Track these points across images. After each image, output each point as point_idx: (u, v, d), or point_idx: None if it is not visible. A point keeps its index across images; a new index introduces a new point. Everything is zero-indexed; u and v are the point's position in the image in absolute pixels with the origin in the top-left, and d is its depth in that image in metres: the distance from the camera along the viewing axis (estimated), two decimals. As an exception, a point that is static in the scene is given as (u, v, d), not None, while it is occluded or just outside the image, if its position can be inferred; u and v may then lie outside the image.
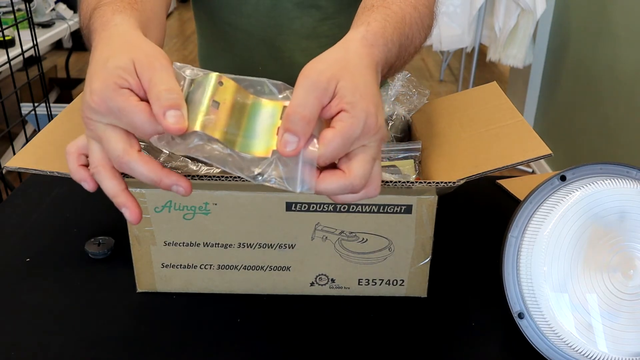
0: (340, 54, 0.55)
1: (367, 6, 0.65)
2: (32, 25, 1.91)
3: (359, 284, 0.76)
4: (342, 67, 0.52)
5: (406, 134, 0.93)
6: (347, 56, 0.54)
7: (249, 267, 0.75)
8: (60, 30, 3.01)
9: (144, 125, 0.50)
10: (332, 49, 0.55)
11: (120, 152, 0.51)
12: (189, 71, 0.53)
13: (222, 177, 0.66)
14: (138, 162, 0.51)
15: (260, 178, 0.51)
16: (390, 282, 0.76)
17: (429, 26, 0.73)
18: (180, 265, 0.75)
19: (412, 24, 0.67)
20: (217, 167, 0.59)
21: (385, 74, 0.64)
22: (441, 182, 0.65)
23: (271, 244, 0.73)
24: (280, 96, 0.55)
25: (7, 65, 1.79)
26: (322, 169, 0.52)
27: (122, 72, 0.51)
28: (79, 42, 4.88)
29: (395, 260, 0.74)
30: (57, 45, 5.05)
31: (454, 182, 0.65)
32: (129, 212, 0.55)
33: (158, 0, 0.73)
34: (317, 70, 0.51)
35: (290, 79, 0.90)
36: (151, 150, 0.74)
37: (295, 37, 0.99)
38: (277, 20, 0.99)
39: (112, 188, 0.54)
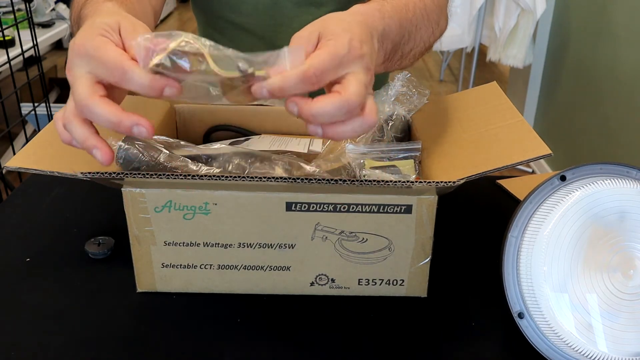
0: (326, 16, 0.57)
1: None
2: (32, 25, 1.91)
3: (359, 284, 0.76)
4: (328, 17, 0.56)
5: (406, 134, 0.93)
6: (332, 15, 0.57)
7: (249, 267, 0.75)
8: (60, 30, 3.01)
9: (116, 59, 0.52)
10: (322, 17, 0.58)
11: (82, 97, 0.52)
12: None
13: (222, 177, 0.66)
14: (98, 105, 0.52)
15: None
16: (390, 282, 0.76)
17: (436, 22, 0.74)
18: (180, 265, 0.75)
19: (416, 12, 0.68)
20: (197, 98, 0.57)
21: (389, 53, 0.66)
22: (441, 182, 0.65)
23: (271, 244, 0.73)
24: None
25: (7, 65, 1.79)
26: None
27: (107, 27, 0.54)
28: (79, 42, 4.88)
29: (395, 260, 0.74)
30: (57, 45, 5.04)
31: (454, 182, 0.65)
32: (100, 153, 0.56)
33: (148, 7, 0.76)
34: (307, 27, 0.55)
35: None
36: (149, 149, 0.74)
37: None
38: (277, 19, 0.99)
39: (82, 134, 0.55)
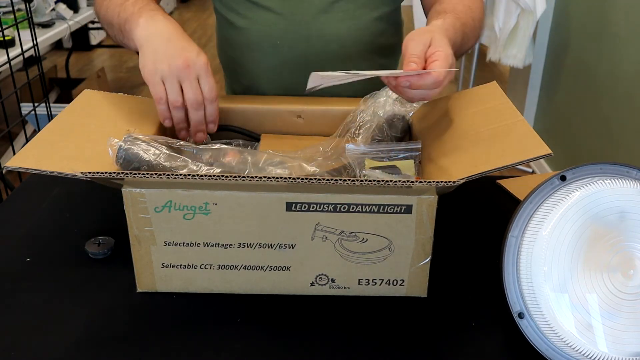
0: (428, 28, 0.83)
1: (440, 11, 0.94)
2: (32, 25, 1.91)
3: (359, 284, 0.76)
4: (431, 31, 0.81)
5: (406, 134, 0.93)
6: (432, 29, 0.82)
7: (249, 267, 0.75)
8: (60, 30, 3.01)
9: (209, 86, 0.84)
10: (421, 28, 0.83)
11: (214, 93, 0.85)
12: None
13: (222, 176, 0.66)
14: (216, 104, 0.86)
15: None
16: (390, 282, 0.76)
17: (478, 35, 1.01)
18: (181, 265, 0.75)
19: (469, 29, 0.94)
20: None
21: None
22: (441, 182, 0.65)
23: (271, 244, 0.73)
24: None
25: (7, 65, 1.79)
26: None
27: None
28: (79, 42, 4.88)
29: (395, 260, 0.74)
30: (57, 45, 5.05)
31: (454, 182, 0.65)
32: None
33: None
34: (418, 33, 0.80)
35: (305, 53, 1.10)
36: (149, 149, 0.74)
37: (313, 12, 1.04)
38: None
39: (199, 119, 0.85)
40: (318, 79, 0.77)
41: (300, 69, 1.05)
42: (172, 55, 0.81)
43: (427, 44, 0.78)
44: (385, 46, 1.12)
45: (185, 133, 0.87)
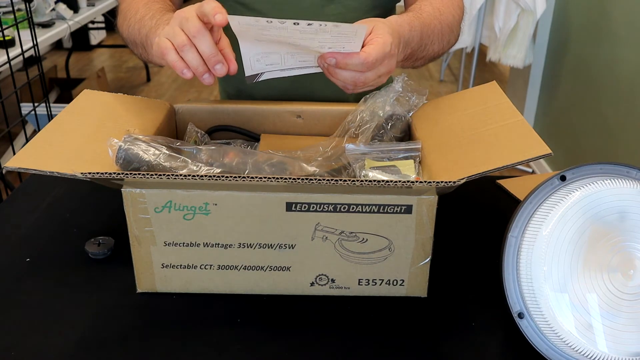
0: (376, 19, 0.81)
1: (405, 11, 0.93)
2: (32, 25, 1.91)
3: (359, 284, 0.76)
4: (377, 21, 0.80)
5: (406, 134, 0.93)
6: (379, 20, 0.81)
7: (249, 267, 0.75)
8: (60, 30, 3.01)
9: (212, 9, 0.73)
10: (371, 19, 0.81)
11: (199, 27, 0.74)
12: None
13: (222, 176, 0.66)
14: (209, 35, 0.75)
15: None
16: (391, 282, 0.76)
17: (447, 40, 0.96)
18: (180, 265, 0.75)
19: (434, 31, 0.91)
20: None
21: (407, 56, 0.88)
22: (441, 182, 0.65)
23: (271, 244, 0.73)
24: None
25: (7, 65, 1.79)
26: None
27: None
28: (79, 42, 4.88)
29: (395, 260, 0.74)
30: (57, 45, 5.05)
31: (454, 182, 0.65)
32: (225, 68, 0.76)
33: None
34: (363, 21, 0.79)
35: None
36: (149, 149, 0.74)
37: (302, 14, 1.02)
38: None
39: (209, 49, 0.75)
40: (247, 43, 0.76)
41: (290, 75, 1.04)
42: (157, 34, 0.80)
43: (369, 32, 0.78)
44: None
45: (210, 77, 0.78)
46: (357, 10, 1.05)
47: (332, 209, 0.70)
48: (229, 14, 0.71)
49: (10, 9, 2.26)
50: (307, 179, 0.66)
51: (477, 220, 0.95)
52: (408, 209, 0.71)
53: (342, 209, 0.70)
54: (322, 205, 0.70)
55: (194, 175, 0.67)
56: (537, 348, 0.66)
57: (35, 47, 1.86)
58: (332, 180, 0.65)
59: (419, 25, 0.88)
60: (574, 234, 0.64)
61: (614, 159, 2.15)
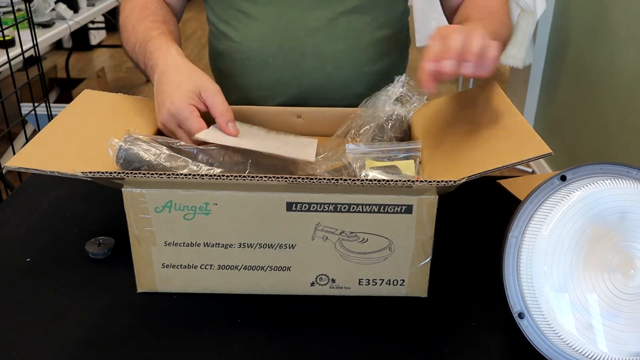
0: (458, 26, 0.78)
1: (471, 18, 0.96)
2: (32, 25, 1.91)
3: (359, 284, 0.76)
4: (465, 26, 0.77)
5: (406, 134, 0.93)
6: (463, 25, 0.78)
7: (249, 267, 0.75)
8: (60, 30, 3.01)
9: (195, 130, 0.79)
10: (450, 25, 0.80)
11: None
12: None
13: (222, 176, 0.66)
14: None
15: None
16: (391, 282, 0.76)
17: (506, 38, 1.00)
18: (181, 265, 0.75)
19: (500, 35, 0.94)
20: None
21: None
22: (441, 182, 0.65)
23: (271, 244, 0.73)
24: None
25: (7, 65, 1.79)
26: None
27: (193, 95, 0.81)
28: (79, 42, 4.88)
29: (396, 260, 0.74)
30: (57, 45, 5.05)
31: (454, 182, 0.65)
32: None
33: (177, 30, 1.00)
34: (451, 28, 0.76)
35: (297, 71, 1.06)
36: (149, 149, 0.74)
37: (309, 27, 0.99)
38: (293, 10, 0.99)
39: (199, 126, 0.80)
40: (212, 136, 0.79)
41: (292, 90, 1.02)
42: (158, 105, 0.84)
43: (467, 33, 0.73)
44: (385, 71, 1.06)
45: None
46: (368, 25, 1.01)
47: (332, 209, 0.70)
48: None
49: (10, 9, 2.26)
50: (307, 179, 0.66)
51: (477, 220, 0.95)
52: (408, 209, 0.71)
53: (342, 209, 0.70)
54: (322, 205, 0.70)
55: (194, 175, 0.67)
56: (538, 348, 0.66)
57: (35, 47, 1.86)
58: (332, 180, 0.65)
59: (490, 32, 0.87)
60: (574, 234, 0.64)
61: (614, 159, 2.15)
